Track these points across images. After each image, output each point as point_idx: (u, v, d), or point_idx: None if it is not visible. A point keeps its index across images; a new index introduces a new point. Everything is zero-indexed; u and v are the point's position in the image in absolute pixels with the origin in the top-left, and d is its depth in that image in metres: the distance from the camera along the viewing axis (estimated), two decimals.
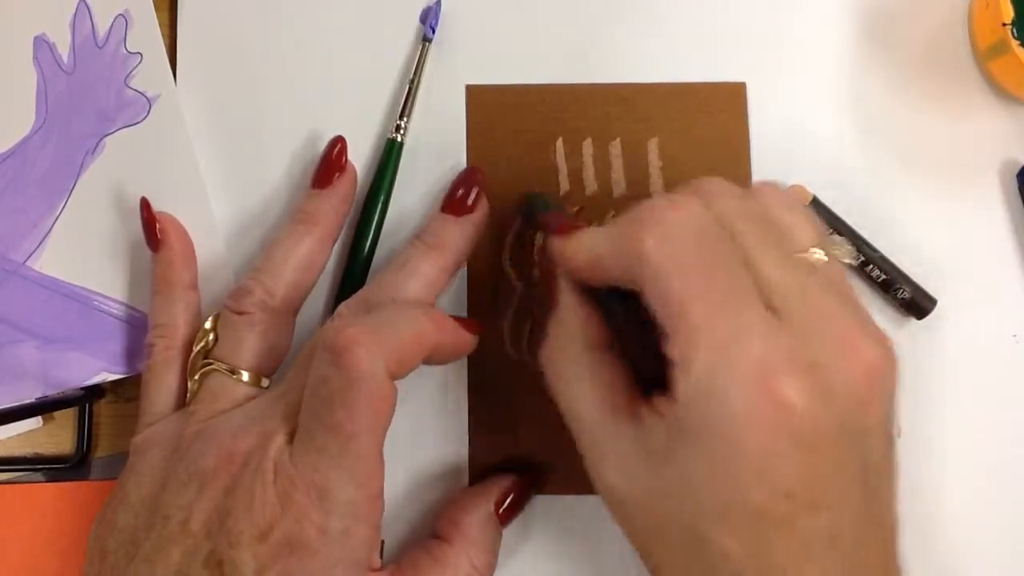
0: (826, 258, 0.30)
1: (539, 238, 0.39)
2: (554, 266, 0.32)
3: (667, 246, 0.27)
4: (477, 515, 0.35)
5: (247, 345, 0.35)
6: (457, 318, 0.35)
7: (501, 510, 0.35)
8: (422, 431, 0.38)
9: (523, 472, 0.37)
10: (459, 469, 0.38)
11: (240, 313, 0.35)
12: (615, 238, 0.29)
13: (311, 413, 0.30)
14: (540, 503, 0.38)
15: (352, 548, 0.30)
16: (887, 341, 0.29)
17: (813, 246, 0.30)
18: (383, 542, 0.33)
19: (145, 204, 0.38)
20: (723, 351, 0.26)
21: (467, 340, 0.35)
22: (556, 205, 0.36)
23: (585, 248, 0.30)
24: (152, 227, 0.37)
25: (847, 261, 0.31)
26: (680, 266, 0.27)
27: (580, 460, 0.38)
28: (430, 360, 0.33)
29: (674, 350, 0.27)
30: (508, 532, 0.37)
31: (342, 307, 0.35)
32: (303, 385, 0.31)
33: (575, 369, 0.31)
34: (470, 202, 0.37)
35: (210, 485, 0.31)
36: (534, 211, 0.36)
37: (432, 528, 0.35)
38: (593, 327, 0.31)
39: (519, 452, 0.38)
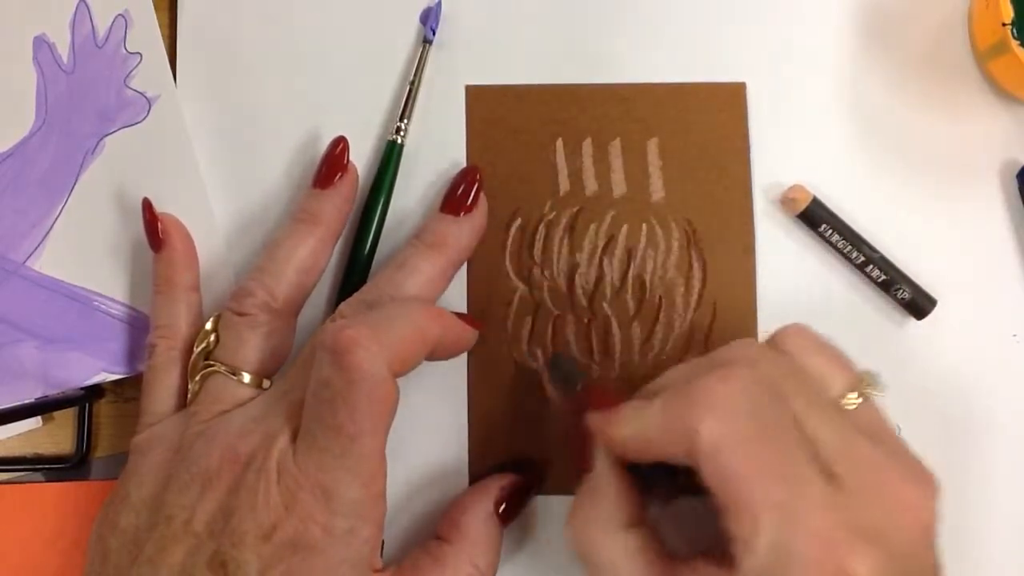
0: (860, 400, 0.30)
1: (539, 239, 0.39)
2: (589, 435, 0.31)
3: (724, 424, 0.27)
4: (477, 515, 0.35)
5: (249, 346, 0.35)
6: (457, 314, 0.35)
7: (501, 510, 0.35)
8: (422, 431, 0.38)
9: (523, 472, 0.37)
10: (459, 469, 0.38)
11: (242, 314, 0.35)
12: (666, 419, 0.28)
13: (313, 414, 0.30)
14: (540, 503, 0.38)
15: (356, 548, 0.30)
16: (930, 477, 0.29)
17: (848, 390, 0.30)
18: (383, 542, 0.33)
19: (148, 205, 0.38)
20: (788, 528, 0.26)
21: (468, 335, 0.35)
22: (581, 372, 0.35)
23: (632, 428, 0.29)
24: (154, 227, 0.37)
25: (879, 390, 0.31)
26: (738, 443, 0.27)
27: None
28: (432, 356, 0.33)
29: (736, 527, 0.26)
30: (508, 532, 0.37)
31: (343, 306, 0.35)
32: (304, 384, 0.31)
33: (610, 554, 0.29)
34: (469, 202, 0.37)
35: (213, 485, 0.31)
36: (563, 375, 0.35)
37: (433, 529, 0.35)
38: (630, 503, 0.30)
39: (519, 452, 0.38)
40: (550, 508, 0.38)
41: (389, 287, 0.35)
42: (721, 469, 0.27)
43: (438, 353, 0.34)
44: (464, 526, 0.34)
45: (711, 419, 0.27)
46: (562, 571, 0.38)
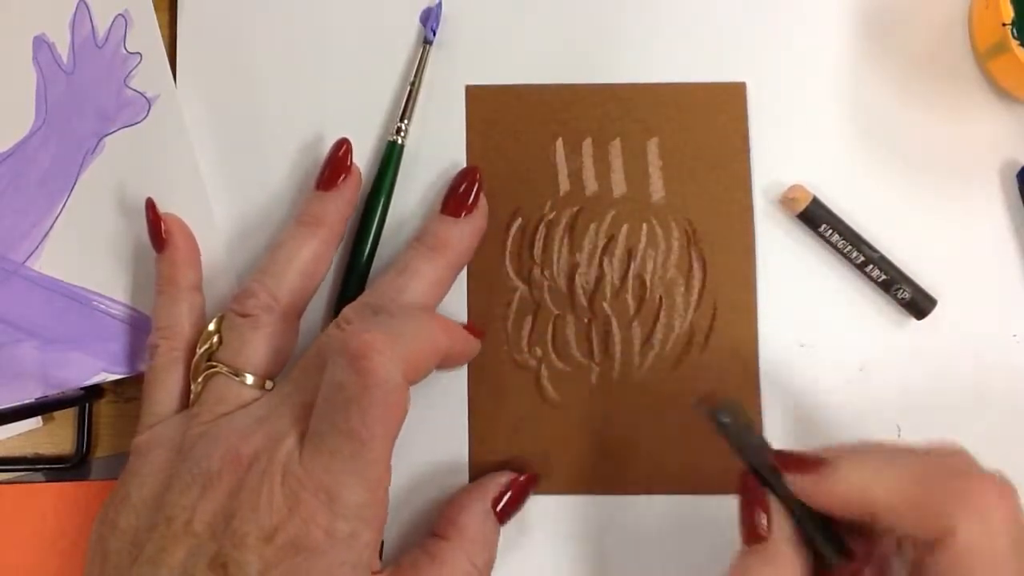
0: None
1: (539, 239, 0.39)
2: (765, 499, 0.30)
3: (989, 541, 0.26)
4: (475, 513, 0.35)
5: (251, 348, 0.35)
6: (461, 324, 0.35)
7: (499, 508, 0.35)
8: (422, 430, 0.38)
9: (521, 470, 0.37)
10: (459, 469, 0.38)
11: (245, 315, 0.35)
12: (912, 494, 0.28)
13: (324, 417, 0.30)
14: (540, 503, 0.38)
15: (357, 551, 0.30)
16: None
17: None
18: (383, 543, 0.33)
19: (151, 205, 0.38)
20: None
21: (474, 345, 0.36)
22: (749, 419, 0.32)
23: (860, 482, 0.28)
24: (157, 228, 0.37)
25: None
26: (994, 568, 0.26)
27: (578, 460, 0.39)
28: (439, 366, 0.33)
29: None
30: (507, 531, 0.37)
31: (347, 311, 0.35)
32: (309, 387, 0.31)
33: None
34: (469, 202, 0.37)
35: (215, 486, 0.31)
36: (732, 428, 0.32)
37: (431, 526, 0.35)
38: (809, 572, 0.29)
39: (519, 452, 0.38)
40: (550, 508, 0.38)
41: (392, 291, 0.35)
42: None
43: (444, 364, 0.34)
44: (462, 524, 0.34)
45: (978, 525, 0.27)
46: (561, 571, 0.38)
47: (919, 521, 0.27)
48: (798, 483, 0.29)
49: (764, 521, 0.30)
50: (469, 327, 0.36)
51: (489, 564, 0.34)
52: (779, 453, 0.30)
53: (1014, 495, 0.28)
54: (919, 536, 0.28)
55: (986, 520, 0.27)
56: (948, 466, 0.29)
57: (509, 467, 0.37)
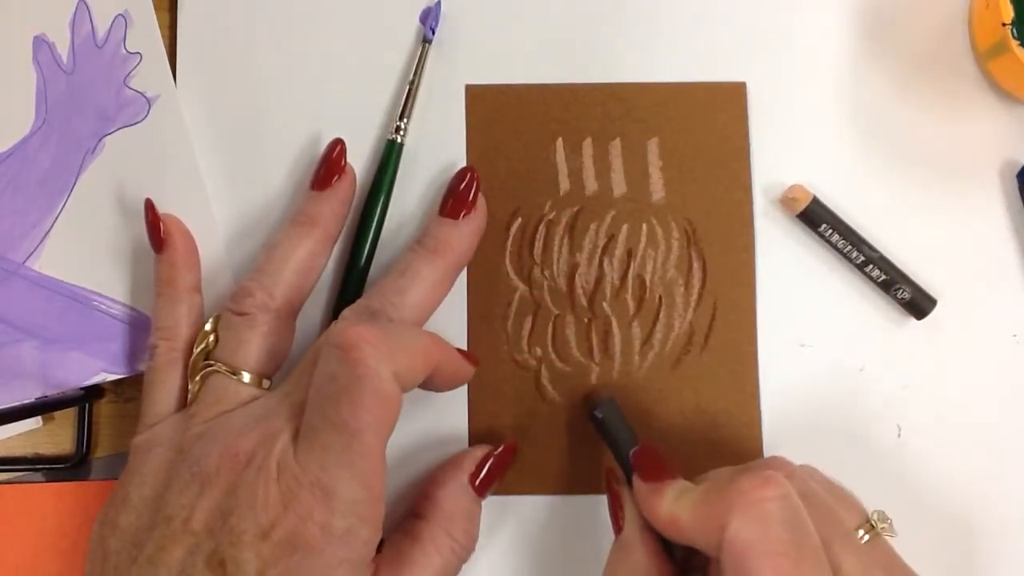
0: (867, 539, 0.31)
1: (539, 239, 0.39)
2: (619, 493, 0.34)
3: (755, 528, 0.28)
4: (451, 488, 0.35)
5: (248, 346, 0.35)
6: (457, 349, 0.35)
7: (477, 482, 0.35)
8: (422, 430, 0.38)
9: (498, 443, 0.37)
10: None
11: (241, 314, 0.35)
12: (702, 509, 0.30)
13: (316, 410, 0.30)
14: (531, 503, 0.38)
15: (355, 548, 0.30)
16: None
17: (858, 527, 0.31)
18: (382, 541, 0.33)
19: (150, 205, 0.38)
20: None
21: (465, 368, 0.36)
22: (629, 429, 0.35)
23: (669, 509, 0.31)
24: (156, 228, 0.37)
25: (890, 529, 0.32)
26: (766, 552, 0.28)
27: (578, 460, 0.39)
28: (430, 381, 0.34)
29: None
30: (499, 532, 0.37)
31: (347, 312, 0.35)
32: (307, 386, 0.31)
33: None
34: (468, 204, 0.37)
35: (213, 484, 0.31)
36: (609, 427, 0.35)
37: (411, 507, 0.35)
38: (657, 568, 0.32)
39: (518, 451, 0.38)
40: (550, 508, 0.38)
41: (392, 293, 0.35)
42: (744, 573, 0.27)
43: (436, 379, 0.34)
44: (440, 500, 0.34)
45: (744, 520, 0.28)
46: (557, 571, 0.38)
47: (707, 534, 0.29)
48: (636, 489, 0.33)
49: (619, 514, 0.34)
50: (465, 353, 0.36)
51: (471, 537, 0.34)
52: (636, 451, 0.34)
53: (776, 483, 0.29)
54: (712, 549, 0.29)
55: (753, 510, 0.28)
56: (730, 478, 0.30)
57: (489, 442, 0.38)
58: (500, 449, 0.37)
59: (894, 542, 0.32)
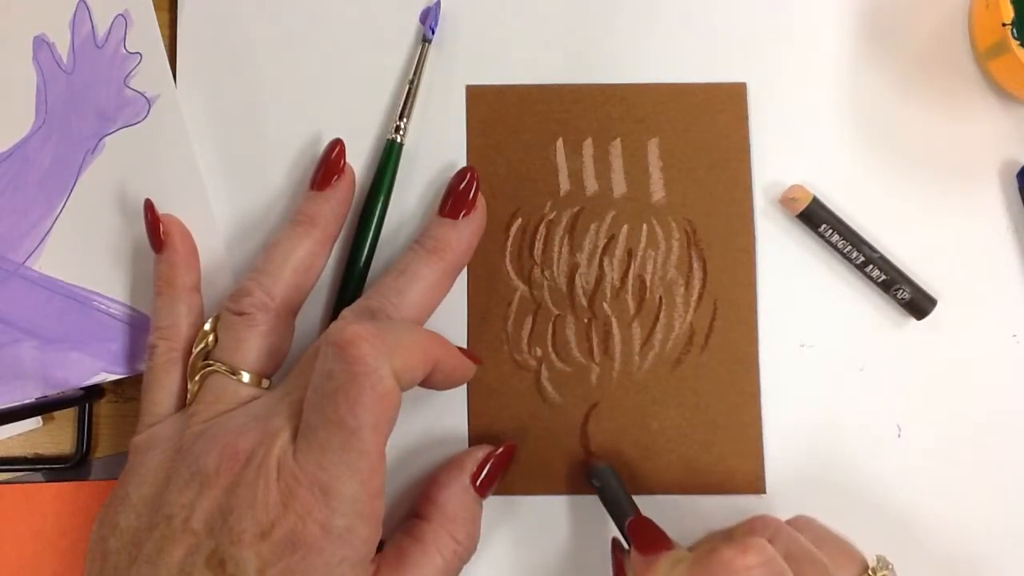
0: None
1: (540, 239, 0.39)
2: (622, 562, 0.35)
3: None
4: (453, 489, 0.35)
5: (247, 346, 0.35)
6: (458, 347, 0.35)
7: (478, 482, 0.35)
8: (421, 430, 0.38)
9: (498, 443, 0.37)
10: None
11: (240, 314, 0.35)
12: None
13: (314, 408, 0.30)
14: (540, 503, 0.38)
15: (355, 547, 0.30)
16: None
17: (860, 574, 0.31)
18: (383, 542, 0.33)
19: (149, 206, 0.38)
20: None
21: (466, 366, 0.36)
22: (627, 496, 0.36)
23: None
24: (156, 228, 0.37)
25: (891, 574, 0.32)
26: None
27: (574, 461, 0.39)
28: (430, 379, 0.33)
29: None
30: (499, 532, 0.37)
31: (346, 311, 0.35)
32: (307, 384, 0.31)
33: None
34: (467, 204, 0.37)
35: (212, 484, 0.31)
36: (608, 494, 0.36)
37: (412, 508, 0.35)
38: None
39: (518, 451, 0.38)
40: (549, 508, 0.38)
41: (391, 293, 0.35)
42: None
43: (436, 377, 0.34)
44: (441, 501, 0.34)
45: None
46: (554, 571, 0.38)
47: None
48: (633, 560, 0.33)
49: None
50: (466, 351, 0.36)
51: (473, 538, 0.34)
52: (632, 522, 0.34)
53: (756, 552, 0.29)
54: None
55: None
56: (710, 551, 0.30)
57: (489, 442, 0.38)
58: (500, 449, 0.37)
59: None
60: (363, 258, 0.39)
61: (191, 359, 0.35)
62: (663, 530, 0.33)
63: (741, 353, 0.39)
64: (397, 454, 0.38)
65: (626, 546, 0.34)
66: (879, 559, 0.32)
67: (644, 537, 0.33)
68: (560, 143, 0.40)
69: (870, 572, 0.32)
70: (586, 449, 0.38)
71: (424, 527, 0.34)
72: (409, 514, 0.35)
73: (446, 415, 0.39)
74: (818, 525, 0.34)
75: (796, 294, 0.39)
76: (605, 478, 0.36)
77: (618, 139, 0.40)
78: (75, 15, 0.40)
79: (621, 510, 0.35)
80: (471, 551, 0.34)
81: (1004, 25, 0.37)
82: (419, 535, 0.34)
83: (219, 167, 0.40)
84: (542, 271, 0.39)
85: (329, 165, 0.38)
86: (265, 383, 0.35)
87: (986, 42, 0.39)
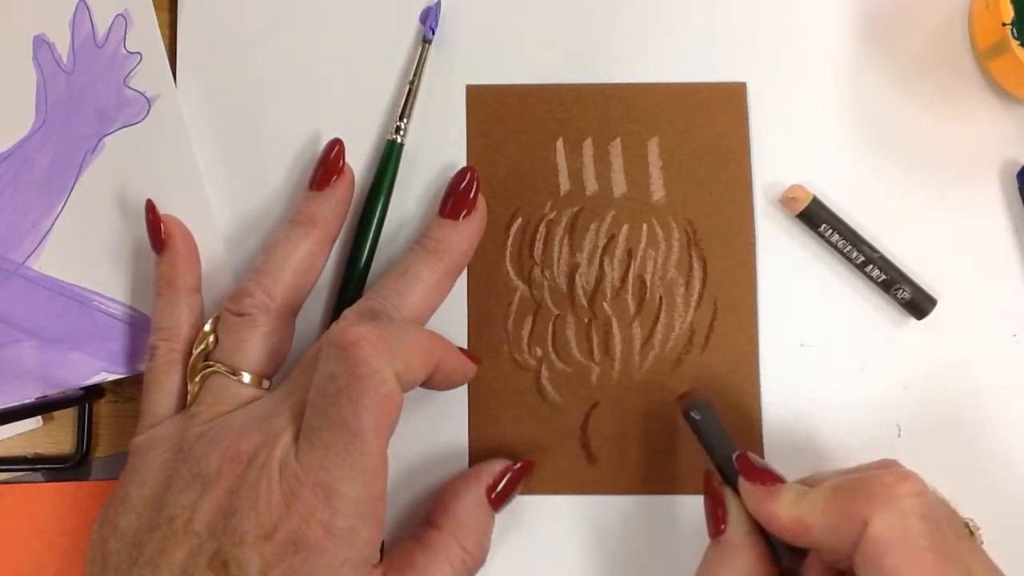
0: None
1: (540, 239, 0.39)
2: (721, 494, 0.33)
3: (899, 523, 0.28)
4: (468, 500, 0.35)
5: (248, 346, 0.35)
6: (459, 347, 0.35)
7: (493, 495, 0.35)
8: (422, 430, 0.38)
9: (516, 457, 0.37)
10: (459, 469, 0.38)
11: (240, 314, 0.35)
12: (835, 506, 0.29)
13: (317, 409, 0.30)
14: (540, 503, 0.38)
15: (357, 548, 0.30)
16: None
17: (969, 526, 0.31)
18: (384, 542, 0.33)
19: (151, 206, 0.38)
20: None
21: (467, 366, 0.36)
22: (721, 426, 0.35)
23: (791, 509, 0.30)
24: (157, 229, 0.37)
25: (981, 536, 0.32)
26: (910, 549, 0.27)
27: (578, 460, 0.39)
28: (431, 380, 0.34)
29: None
30: (505, 531, 0.37)
31: (347, 312, 0.35)
32: (308, 385, 0.31)
33: None
34: (467, 204, 0.37)
35: (214, 485, 0.31)
36: (705, 426, 0.34)
37: (425, 515, 0.35)
38: (765, 568, 0.31)
39: (518, 451, 0.38)
40: (549, 508, 0.38)
41: (392, 294, 0.35)
42: (885, 571, 0.27)
43: (437, 378, 0.34)
44: (455, 511, 0.34)
45: (886, 513, 0.28)
46: (558, 571, 0.38)
47: (842, 532, 0.29)
48: (747, 492, 0.32)
49: (721, 515, 0.32)
50: (466, 352, 0.36)
51: (483, 550, 0.34)
52: (740, 456, 0.33)
53: (916, 480, 0.29)
54: (845, 548, 0.29)
55: (893, 506, 0.28)
56: (860, 477, 0.30)
57: (504, 456, 0.37)
58: (519, 465, 0.37)
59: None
60: (363, 258, 0.39)
61: (191, 360, 0.35)
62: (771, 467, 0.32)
63: (741, 353, 0.39)
64: (397, 455, 0.38)
65: (720, 481, 0.33)
66: (970, 520, 0.31)
67: (760, 469, 0.32)
68: (560, 143, 0.40)
69: (969, 528, 0.31)
70: (587, 450, 0.38)
71: (434, 535, 0.34)
72: (421, 521, 0.35)
73: (446, 415, 0.39)
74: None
75: (796, 294, 0.39)
76: (704, 412, 0.34)
77: (618, 139, 0.40)
78: (75, 15, 0.40)
79: (723, 443, 0.34)
80: (480, 563, 0.34)
81: (1004, 25, 0.37)
82: (429, 542, 0.34)
83: (219, 167, 0.40)
84: (542, 271, 0.39)
85: (328, 165, 0.38)
86: (266, 384, 0.35)
87: (986, 42, 0.39)
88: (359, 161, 0.40)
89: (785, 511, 0.30)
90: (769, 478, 0.32)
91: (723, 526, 0.32)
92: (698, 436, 0.35)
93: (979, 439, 0.38)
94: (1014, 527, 0.38)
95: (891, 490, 0.28)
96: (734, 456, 0.33)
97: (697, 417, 0.34)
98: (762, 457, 0.38)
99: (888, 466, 0.31)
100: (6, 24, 0.40)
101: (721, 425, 0.34)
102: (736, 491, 0.32)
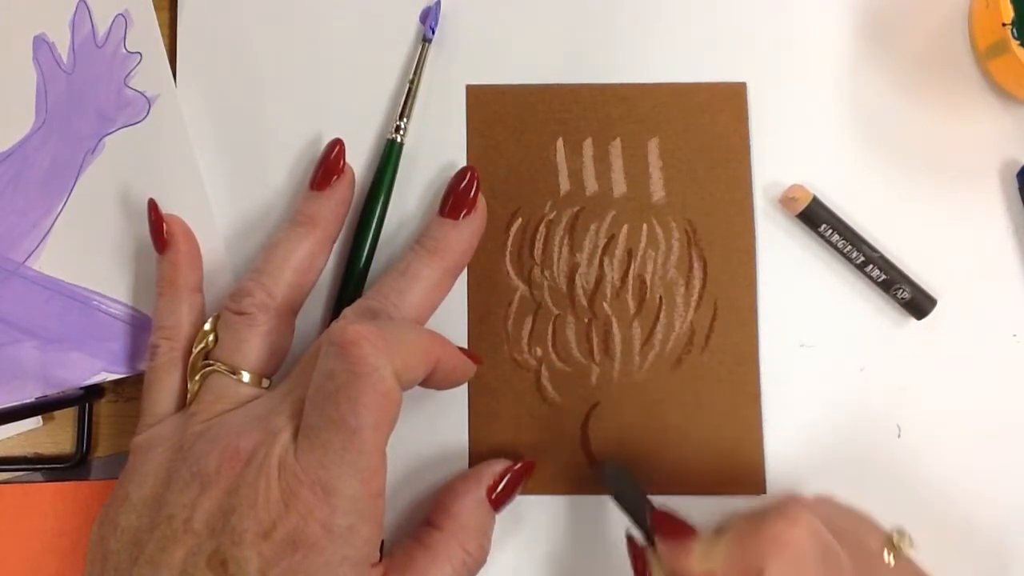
0: (894, 560, 0.31)
1: (540, 239, 0.39)
2: (644, 556, 0.33)
3: (791, 568, 0.28)
4: (469, 501, 0.35)
5: (248, 346, 0.35)
6: (459, 347, 0.35)
7: (494, 496, 0.35)
8: (422, 430, 0.38)
9: (516, 458, 0.37)
10: (459, 468, 0.38)
11: (240, 314, 0.35)
12: (734, 558, 0.30)
13: (315, 407, 0.30)
14: (536, 503, 0.38)
15: (356, 546, 0.30)
16: None
17: (883, 548, 0.31)
18: (383, 541, 0.33)
19: (153, 206, 0.38)
20: None
21: (467, 366, 0.36)
22: (637, 488, 0.36)
23: (701, 567, 0.31)
24: (159, 229, 0.37)
25: (910, 546, 0.32)
26: None
27: (578, 460, 0.39)
28: (431, 379, 0.33)
29: None
30: (505, 531, 0.37)
31: (347, 311, 0.35)
32: (307, 384, 0.31)
33: None
34: (468, 203, 0.37)
35: (213, 484, 0.31)
36: (620, 490, 0.35)
37: (425, 515, 0.35)
38: None
39: (518, 451, 0.38)
40: (549, 508, 0.38)
41: (392, 293, 0.35)
42: None
43: (437, 377, 0.34)
44: (455, 512, 0.34)
45: (778, 561, 0.28)
46: (557, 571, 0.38)
47: None
48: (662, 551, 0.32)
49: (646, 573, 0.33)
50: (466, 351, 0.36)
51: (483, 551, 0.34)
52: (655, 515, 0.33)
53: (806, 521, 0.29)
54: None
55: (788, 552, 0.29)
56: (755, 525, 0.30)
57: (504, 456, 0.37)
58: (519, 465, 0.37)
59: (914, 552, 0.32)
60: (363, 258, 0.39)
61: (191, 359, 0.35)
62: (684, 519, 0.33)
63: (741, 353, 0.39)
64: (397, 455, 0.38)
65: (641, 541, 0.34)
66: (896, 531, 0.32)
67: (671, 527, 0.33)
68: (560, 143, 0.40)
69: (896, 543, 0.31)
70: (587, 450, 0.38)
71: (435, 535, 0.34)
72: (422, 521, 0.35)
73: (446, 415, 0.39)
74: (838, 503, 0.33)
75: (796, 294, 0.39)
76: (617, 476, 0.36)
77: (618, 139, 0.40)
78: (75, 15, 0.40)
79: (637, 505, 0.35)
80: (480, 563, 0.34)
81: (1004, 25, 0.37)
82: (430, 543, 0.34)
83: (219, 167, 0.40)
84: (542, 271, 0.39)
85: (329, 165, 0.38)
86: (265, 383, 0.35)
87: (986, 42, 0.39)
88: (359, 161, 0.40)
89: (696, 566, 0.31)
90: (680, 532, 0.32)
91: None
92: (613, 498, 0.35)
93: (979, 439, 0.38)
94: (1014, 527, 0.38)
95: (780, 537, 0.29)
96: (648, 514, 0.33)
97: (608, 480, 0.36)
98: (763, 459, 0.38)
99: (785, 506, 0.31)
100: (6, 24, 0.40)
101: (635, 484, 0.35)
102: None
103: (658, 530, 0.33)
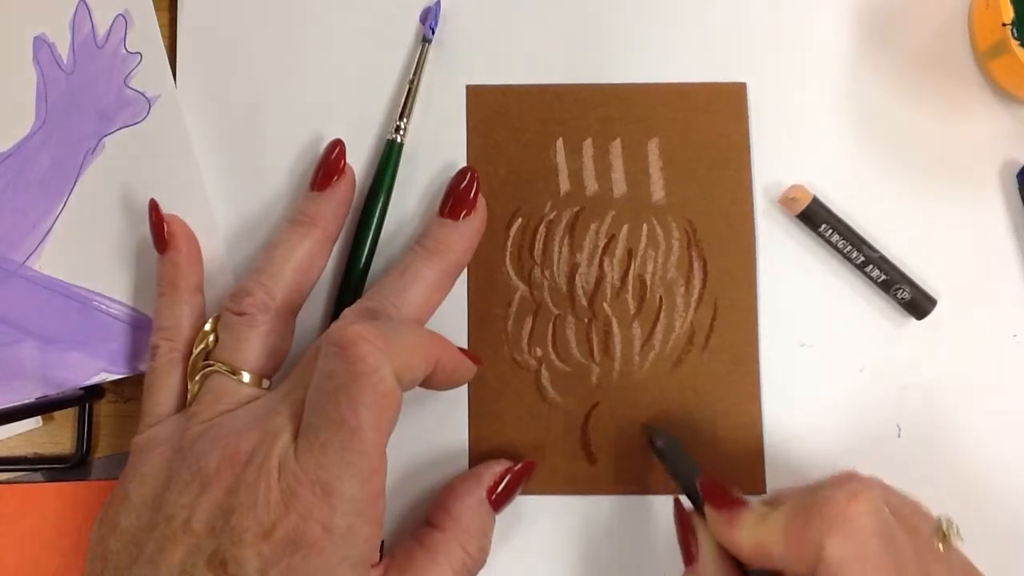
0: (943, 547, 0.30)
1: (540, 239, 0.39)
2: (691, 523, 0.33)
3: (852, 544, 0.28)
4: (469, 501, 0.35)
5: (248, 346, 0.35)
6: (460, 349, 0.35)
7: (494, 496, 0.35)
8: (422, 430, 0.38)
9: (516, 458, 0.37)
10: (459, 468, 0.38)
11: (240, 314, 0.35)
12: (791, 530, 0.29)
13: (315, 407, 0.30)
14: (540, 503, 0.38)
15: (356, 546, 0.30)
16: None
17: (934, 535, 0.31)
18: (383, 541, 0.33)
19: (154, 206, 0.38)
20: None
21: (467, 366, 0.36)
22: (690, 459, 0.35)
23: (752, 535, 0.30)
24: (160, 229, 0.37)
25: (959, 536, 0.31)
26: (865, 567, 0.27)
27: (578, 460, 0.39)
28: (431, 379, 0.33)
29: None
30: (505, 531, 0.37)
31: (347, 311, 0.35)
32: (307, 384, 0.31)
33: None
34: (467, 204, 0.37)
35: (213, 484, 0.31)
36: (670, 456, 0.35)
37: (425, 515, 0.35)
38: None
39: (518, 451, 0.38)
40: (549, 508, 0.38)
41: (392, 293, 0.35)
42: None
43: (437, 377, 0.34)
44: (455, 513, 0.34)
45: (839, 536, 0.28)
46: (557, 571, 0.38)
47: (801, 557, 0.29)
48: (711, 520, 0.32)
49: (692, 543, 0.33)
50: (466, 352, 0.36)
51: (483, 552, 0.34)
52: (703, 481, 0.33)
53: (869, 497, 0.29)
54: (807, 569, 0.29)
55: (845, 528, 0.28)
56: (814, 498, 0.30)
57: (505, 456, 0.37)
58: (519, 466, 0.37)
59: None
60: (363, 258, 0.39)
61: (192, 359, 0.35)
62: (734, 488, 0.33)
63: (741, 353, 0.39)
64: (397, 455, 0.38)
65: (689, 507, 0.33)
66: (945, 520, 0.31)
67: (721, 494, 0.32)
68: (560, 143, 0.40)
69: (945, 530, 0.31)
70: (587, 450, 0.38)
71: (436, 536, 0.34)
72: (422, 522, 0.35)
73: (446, 415, 0.39)
74: (890, 487, 0.33)
75: (796, 294, 0.39)
76: (668, 441, 0.35)
77: (618, 139, 0.40)
78: (75, 15, 0.40)
79: (687, 470, 0.34)
80: (480, 564, 0.34)
81: (1004, 25, 0.37)
82: (430, 544, 0.34)
83: (219, 167, 0.40)
84: (542, 271, 0.39)
85: (329, 165, 0.38)
86: (265, 383, 0.35)
87: (986, 42, 0.39)
88: (359, 161, 0.40)
89: (746, 537, 0.30)
90: (730, 502, 0.32)
91: (693, 554, 0.33)
92: (664, 464, 0.35)
93: (979, 439, 0.38)
94: (1014, 526, 0.38)
95: (843, 511, 0.28)
96: (697, 481, 0.33)
97: (661, 445, 0.35)
98: (763, 458, 0.38)
99: (844, 482, 0.31)
100: (6, 24, 0.40)
101: (685, 451, 0.35)
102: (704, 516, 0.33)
103: (707, 497, 0.32)
